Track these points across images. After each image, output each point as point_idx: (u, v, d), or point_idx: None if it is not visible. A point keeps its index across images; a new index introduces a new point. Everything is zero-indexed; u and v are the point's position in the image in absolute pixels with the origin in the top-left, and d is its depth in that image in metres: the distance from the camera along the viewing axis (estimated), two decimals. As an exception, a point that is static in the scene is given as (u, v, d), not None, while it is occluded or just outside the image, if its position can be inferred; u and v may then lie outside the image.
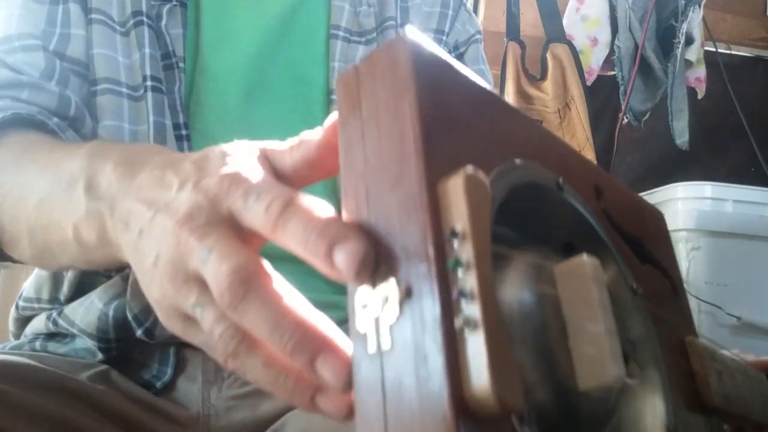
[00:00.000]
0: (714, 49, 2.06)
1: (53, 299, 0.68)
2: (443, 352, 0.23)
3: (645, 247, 0.47)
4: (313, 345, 0.29)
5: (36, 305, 0.70)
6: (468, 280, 0.24)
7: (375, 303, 0.26)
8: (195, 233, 0.32)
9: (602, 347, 0.31)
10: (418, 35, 0.29)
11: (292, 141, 0.37)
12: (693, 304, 1.65)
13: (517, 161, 0.33)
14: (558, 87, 1.91)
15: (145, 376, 0.65)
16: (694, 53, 1.97)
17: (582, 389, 0.31)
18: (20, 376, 0.55)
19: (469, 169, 0.26)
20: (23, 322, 0.72)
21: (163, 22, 0.67)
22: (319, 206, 0.30)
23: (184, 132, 0.65)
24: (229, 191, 0.33)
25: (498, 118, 0.34)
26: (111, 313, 0.63)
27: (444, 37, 0.80)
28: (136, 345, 0.65)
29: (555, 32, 1.95)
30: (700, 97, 2.04)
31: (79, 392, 0.58)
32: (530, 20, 2.02)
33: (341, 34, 0.74)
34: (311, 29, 0.75)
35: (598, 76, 2.03)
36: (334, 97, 0.71)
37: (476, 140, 0.31)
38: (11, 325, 0.74)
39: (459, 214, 0.25)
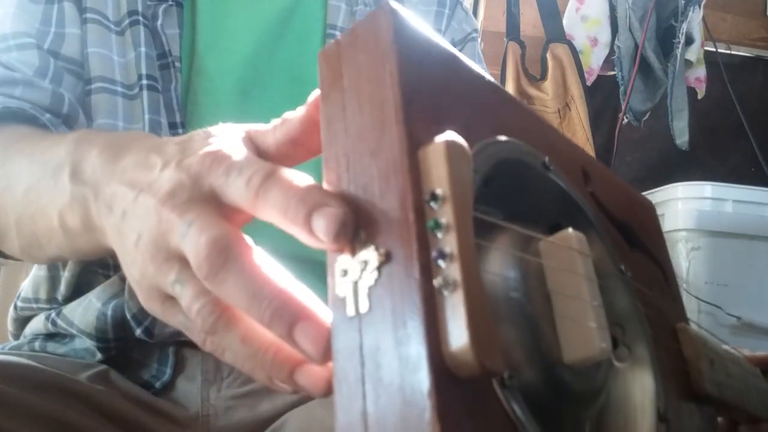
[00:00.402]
0: (714, 49, 2.06)
1: (51, 299, 0.68)
2: (422, 313, 0.23)
3: (634, 233, 0.46)
4: (292, 314, 0.29)
5: (34, 305, 0.70)
6: (447, 240, 0.24)
7: (354, 269, 0.26)
8: (176, 210, 0.32)
9: (588, 319, 0.31)
10: (400, 8, 0.29)
11: (275, 120, 0.37)
12: (693, 304, 1.64)
13: (501, 138, 0.33)
14: (558, 87, 1.91)
15: (144, 376, 0.65)
16: (694, 53, 1.96)
17: (567, 362, 0.31)
18: (19, 376, 0.56)
19: (450, 134, 0.26)
20: (22, 322, 0.72)
21: (159, 22, 0.67)
22: (300, 176, 0.30)
23: (180, 131, 0.65)
24: (210, 168, 0.33)
25: (483, 95, 0.34)
26: (109, 312, 0.63)
27: (441, 35, 0.80)
28: (135, 345, 0.65)
29: (555, 32, 1.95)
30: (700, 97, 2.04)
31: (79, 392, 0.58)
32: (530, 20, 2.02)
33: (338, 33, 0.74)
34: (308, 29, 0.75)
35: (598, 76, 2.03)
36: None
37: (458, 112, 0.31)
38: (10, 326, 0.73)
39: (439, 178, 0.25)
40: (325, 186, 0.29)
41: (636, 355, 0.40)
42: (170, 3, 0.68)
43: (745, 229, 1.70)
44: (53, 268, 0.68)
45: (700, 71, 2.02)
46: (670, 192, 1.77)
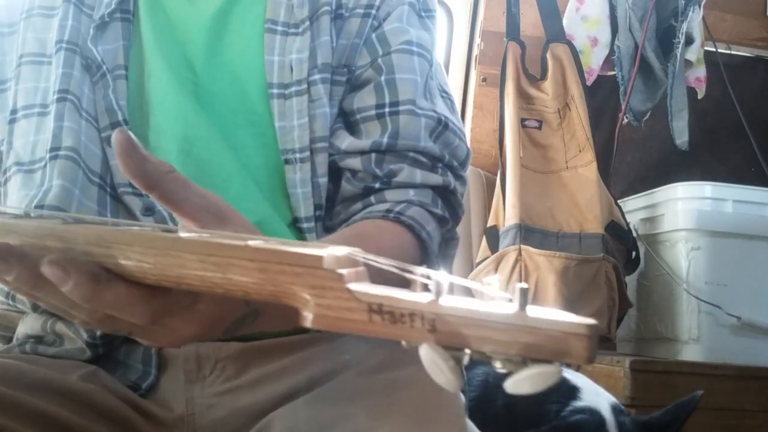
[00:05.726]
0: (714, 49, 2.06)
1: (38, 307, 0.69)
2: None
3: None
4: None
5: (14, 305, 0.72)
6: None
7: None
8: None
9: None
10: None
11: None
12: (693, 304, 1.65)
13: None
14: (558, 87, 1.90)
15: (131, 378, 0.66)
16: (694, 53, 1.96)
17: None
18: (12, 376, 0.58)
19: None
20: (9, 320, 0.74)
21: (89, 38, 0.72)
22: None
23: (126, 127, 0.69)
24: None
25: None
26: None
27: (374, 11, 0.77)
28: (122, 345, 0.67)
29: (555, 32, 1.95)
30: (700, 97, 2.04)
31: (71, 391, 0.60)
32: (530, 20, 2.01)
33: (279, 28, 0.75)
34: (247, 25, 0.76)
35: (598, 76, 2.03)
36: (272, 91, 0.72)
37: None
38: None
39: None
40: None
41: None
42: (105, 20, 0.73)
43: (745, 229, 1.70)
44: None
45: (700, 71, 2.01)
46: (670, 192, 1.77)
